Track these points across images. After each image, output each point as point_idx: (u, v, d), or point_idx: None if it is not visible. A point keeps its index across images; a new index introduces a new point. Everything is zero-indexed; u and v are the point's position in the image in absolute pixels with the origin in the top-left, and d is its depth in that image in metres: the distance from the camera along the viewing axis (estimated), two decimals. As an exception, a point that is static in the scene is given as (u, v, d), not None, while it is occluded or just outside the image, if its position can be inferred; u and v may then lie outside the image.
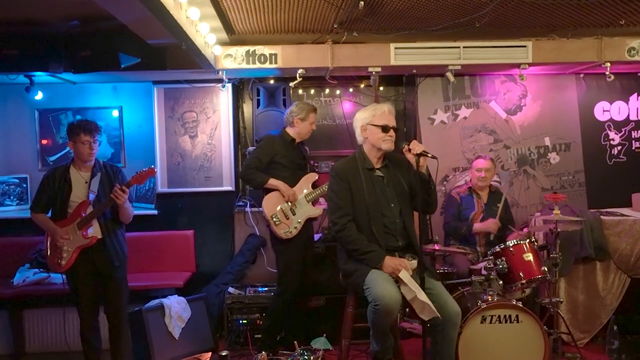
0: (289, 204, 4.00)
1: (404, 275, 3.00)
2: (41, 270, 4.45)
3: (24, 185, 5.01)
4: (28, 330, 4.44)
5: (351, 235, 3.17)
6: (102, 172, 3.61)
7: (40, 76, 4.39)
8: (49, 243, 3.59)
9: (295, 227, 3.99)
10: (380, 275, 3.05)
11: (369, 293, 3.02)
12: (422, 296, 2.92)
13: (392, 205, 3.25)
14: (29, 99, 4.72)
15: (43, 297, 4.34)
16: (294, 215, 4.00)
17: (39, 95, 4.74)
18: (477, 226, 4.28)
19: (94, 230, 3.53)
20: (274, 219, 3.95)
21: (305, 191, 4.09)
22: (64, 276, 3.61)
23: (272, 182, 3.96)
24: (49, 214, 3.62)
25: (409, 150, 3.15)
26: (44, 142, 5.05)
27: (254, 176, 3.98)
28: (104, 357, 3.72)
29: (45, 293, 4.31)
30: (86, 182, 3.56)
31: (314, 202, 4.13)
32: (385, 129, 3.22)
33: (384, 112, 3.26)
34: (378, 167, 3.32)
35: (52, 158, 5.05)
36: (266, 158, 4.01)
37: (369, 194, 3.21)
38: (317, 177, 4.20)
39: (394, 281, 3.04)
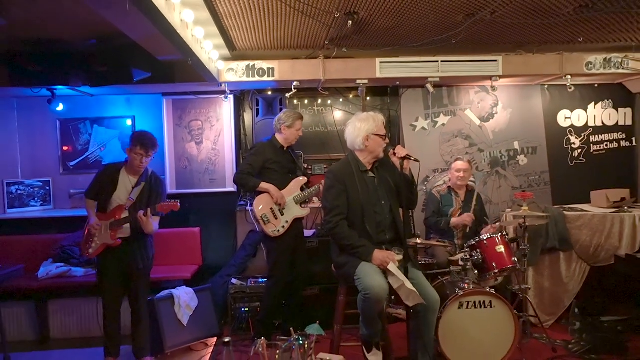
0: (278, 205, 3.96)
1: (392, 267, 3.00)
2: (63, 264, 4.43)
3: (47, 188, 4.98)
4: (52, 319, 4.42)
5: (344, 232, 3.15)
6: (147, 182, 3.59)
7: (61, 89, 4.37)
8: (86, 231, 3.59)
9: (283, 227, 3.94)
10: (370, 267, 3.04)
11: (359, 283, 3.01)
12: (408, 285, 2.93)
13: (383, 202, 3.24)
14: (51, 110, 4.68)
15: (65, 288, 4.32)
16: (282, 215, 3.96)
17: (60, 107, 4.71)
18: (454, 220, 4.28)
19: (124, 232, 3.53)
20: (264, 219, 3.92)
21: (294, 193, 4.03)
22: (95, 271, 3.62)
23: (263, 185, 3.93)
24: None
25: (394, 154, 3.16)
26: (65, 148, 5.02)
27: (246, 181, 3.94)
28: (123, 342, 3.71)
29: (67, 285, 4.31)
30: (132, 187, 3.55)
31: (303, 203, 4.07)
32: (384, 137, 3.24)
33: (383, 122, 3.28)
34: (369, 169, 3.30)
35: (72, 163, 5.02)
36: (258, 165, 3.97)
37: (362, 194, 3.19)
38: (306, 181, 4.14)
39: (382, 272, 3.04)
